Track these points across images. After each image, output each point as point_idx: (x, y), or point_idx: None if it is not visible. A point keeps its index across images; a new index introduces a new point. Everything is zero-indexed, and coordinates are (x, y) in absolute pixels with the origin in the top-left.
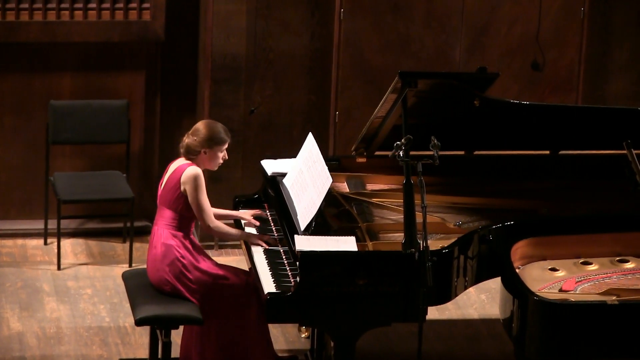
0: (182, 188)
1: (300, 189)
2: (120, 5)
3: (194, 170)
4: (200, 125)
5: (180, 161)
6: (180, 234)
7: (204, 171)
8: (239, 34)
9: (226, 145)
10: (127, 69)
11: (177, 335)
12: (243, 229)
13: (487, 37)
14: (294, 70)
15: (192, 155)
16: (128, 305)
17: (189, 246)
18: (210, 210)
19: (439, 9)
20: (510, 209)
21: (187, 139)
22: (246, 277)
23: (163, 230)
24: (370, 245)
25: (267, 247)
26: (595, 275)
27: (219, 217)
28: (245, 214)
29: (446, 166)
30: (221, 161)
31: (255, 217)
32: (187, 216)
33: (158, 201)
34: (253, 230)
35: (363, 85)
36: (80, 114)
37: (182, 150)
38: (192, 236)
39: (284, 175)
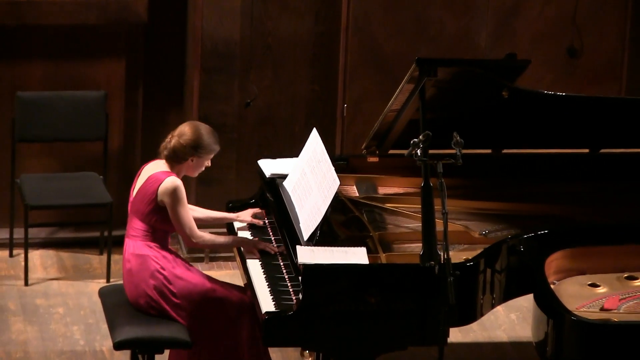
0: (158, 200)
1: (303, 193)
2: None
3: (173, 181)
4: (188, 129)
5: (157, 166)
6: (155, 244)
7: (193, 178)
8: (233, 16)
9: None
10: (105, 56)
11: None
12: (235, 233)
13: (516, 19)
14: (296, 57)
15: (176, 161)
16: (105, 326)
17: (168, 256)
18: (193, 223)
19: None
20: (544, 215)
21: (173, 141)
22: (239, 293)
23: (135, 241)
24: (383, 257)
25: (264, 258)
26: None
27: (211, 220)
28: (244, 216)
29: (470, 167)
30: (203, 169)
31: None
32: (161, 229)
33: (129, 209)
34: (247, 234)
35: (375, 74)
36: (51, 107)
37: (165, 153)
38: (170, 247)
39: (284, 177)
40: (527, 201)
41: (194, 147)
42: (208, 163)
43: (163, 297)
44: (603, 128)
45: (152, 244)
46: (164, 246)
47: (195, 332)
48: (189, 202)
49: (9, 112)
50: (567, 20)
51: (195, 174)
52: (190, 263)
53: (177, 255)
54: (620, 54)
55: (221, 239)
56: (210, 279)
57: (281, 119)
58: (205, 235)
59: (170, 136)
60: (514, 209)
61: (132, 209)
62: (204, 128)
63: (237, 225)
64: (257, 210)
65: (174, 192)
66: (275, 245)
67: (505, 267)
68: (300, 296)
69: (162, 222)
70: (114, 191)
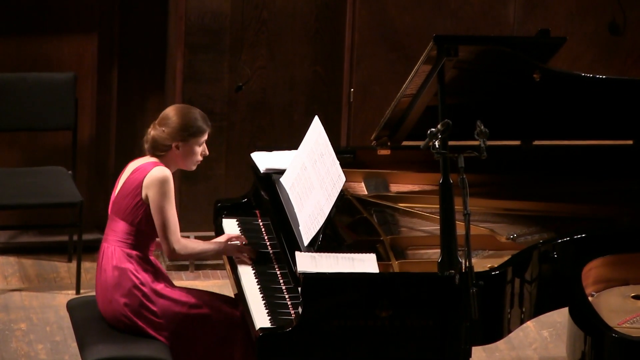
0: (143, 194)
1: (303, 191)
2: None
3: (161, 171)
4: (170, 112)
5: (144, 160)
6: (136, 253)
7: (175, 173)
8: None
9: (205, 137)
10: (75, 32)
11: None
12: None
13: None
14: (295, 33)
15: (159, 151)
16: (75, 344)
17: (149, 268)
18: (178, 228)
19: None
20: (581, 217)
21: (152, 131)
22: (230, 307)
23: (115, 248)
24: (395, 265)
25: (259, 266)
26: None
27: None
28: (220, 239)
29: (496, 160)
30: (200, 158)
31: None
32: (146, 232)
33: (110, 210)
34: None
35: (386, 54)
36: (12, 91)
37: (146, 146)
38: (151, 257)
39: (281, 172)
40: (562, 200)
41: (177, 130)
42: (205, 150)
43: (141, 317)
44: None
45: (132, 253)
46: (145, 256)
47: (180, 355)
48: None
49: None
50: None
51: (191, 166)
52: (173, 272)
53: (159, 268)
54: None
55: (204, 245)
56: (195, 293)
57: (278, 105)
58: (188, 244)
59: (152, 125)
60: (547, 210)
61: (114, 208)
62: (185, 109)
63: (226, 227)
64: (235, 235)
65: (161, 184)
66: (271, 251)
67: (536, 277)
68: (300, 310)
69: (147, 223)
70: (85, 188)
